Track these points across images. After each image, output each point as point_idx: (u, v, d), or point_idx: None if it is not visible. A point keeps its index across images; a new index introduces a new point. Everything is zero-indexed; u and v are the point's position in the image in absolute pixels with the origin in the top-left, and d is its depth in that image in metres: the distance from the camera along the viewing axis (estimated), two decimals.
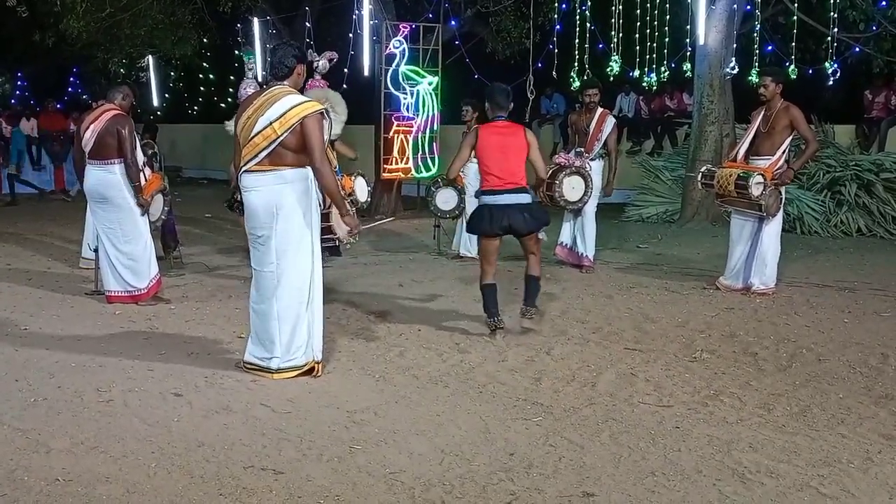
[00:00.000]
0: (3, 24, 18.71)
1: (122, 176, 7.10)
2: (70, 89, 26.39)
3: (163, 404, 4.73)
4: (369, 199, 7.01)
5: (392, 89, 13.45)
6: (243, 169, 5.13)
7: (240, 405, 4.72)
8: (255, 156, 5.07)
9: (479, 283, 6.39)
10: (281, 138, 4.99)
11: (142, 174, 7.24)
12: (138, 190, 7.14)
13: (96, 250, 7.37)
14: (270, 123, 5.00)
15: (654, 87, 13.11)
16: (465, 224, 9.59)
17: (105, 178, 7.12)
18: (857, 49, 12.96)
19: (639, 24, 11.30)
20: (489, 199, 6.28)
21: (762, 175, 7.37)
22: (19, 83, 27.25)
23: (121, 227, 7.16)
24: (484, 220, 6.26)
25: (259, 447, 4.13)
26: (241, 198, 7.68)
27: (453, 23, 14.64)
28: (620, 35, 11.40)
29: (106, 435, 4.25)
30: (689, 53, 11.91)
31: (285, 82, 5.18)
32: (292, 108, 5.01)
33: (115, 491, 3.63)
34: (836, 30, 10.92)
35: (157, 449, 4.09)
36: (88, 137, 7.11)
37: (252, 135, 5.05)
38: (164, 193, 7.77)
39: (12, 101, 25.43)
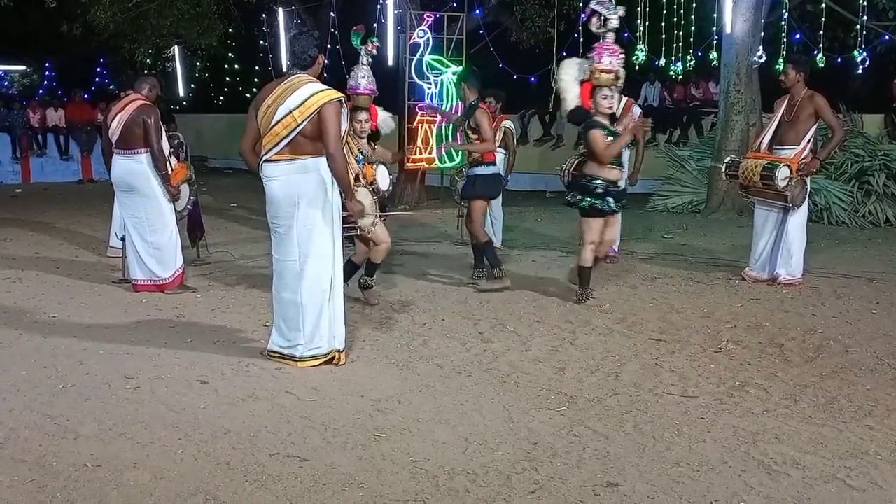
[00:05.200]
0: (30, 15, 18.88)
1: (148, 165, 7.16)
2: (97, 80, 26.58)
3: (189, 391, 4.77)
4: (391, 188, 7.00)
5: (416, 79, 13.44)
6: (263, 158, 5.14)
7: (265, 393, 4.75)
8: (276, 145, 5.07)
9: (480, 243, 7.55)
10: (301, 126, 5.00)
11: (168, 164, 7.30)
12: (166, 179, 7.20)
13: (123, 239, 7.44)
14: (290, 112, 5.00)
15: (680, 76, 13.02)
16: (490, 213, 9.57)
17: (131, 168, 7.18)
18: (887, 37, 12.79)
19: (665, 12, 11.23)
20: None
21: (788, 166, 7.30)
22: (47, 74, 27.49)
23: (146, 217, 7.22)
24: (500, 186, 7.86)
25: (284, 434, 4.16)
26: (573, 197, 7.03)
27: (477, 12, 14.59)
28: (646, 23, 11.33)
29: (133, 421, 4.30)
30: (715, 42, 11.81)
31: (307, 72, 5.19)
32: (312, 95, 5.01)
33: (142, 477, 3.67)
34: (865, 18, 10.79)
35: (183, 436, 4.12)
36: (115, 127, 7.17)
37: (272, 123, 5.06)
38: (190, 183, 7.82)
39: (40, 91, 25.66)
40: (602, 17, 6.75)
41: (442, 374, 5.16)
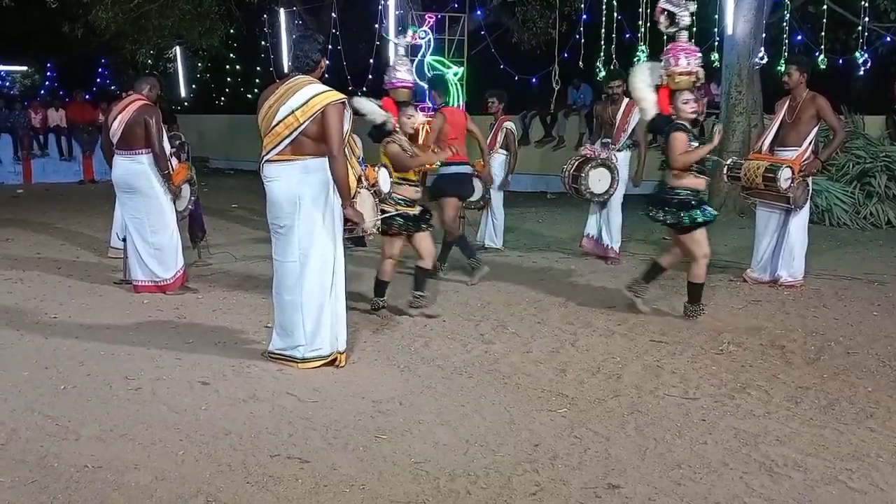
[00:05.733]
0: (32, 15, 18.91)
1: (149, 166, 7.16)
2: (98, 80, 26.62)
3: (190, 392, 4.77)
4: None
5: (417, 80, 13.42)
6: (265, 158, 5.14)
7: (266, 394, 4.75)
8: (277, 145, 5.07)
9: (455, 238, 7.79)
10: (303, 126, 4.99)
11: (169, 164, 7.30)
12: (168, 178, 7.20)
13: (125, 240, 7.45)
14: (293, 111, 5.00)
15: None
16: (491, 214, 9.59)
17: (132, 168, 7.18)
18: (888, 39, 12.80)
19: None
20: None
21: (790, 167, 7.29)
22: (48, 74, 27.53)
23: (147, 218, 7.22)
24: (464, 186, 7.94)
25: (285, 436, 4.16)
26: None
27: (479, 13, 14.62)
28: (648, 24, 11.31)
29: (134, 422, 4.30)
30: (717, 43, 11.81)
31: (309, 75, 5.19)
32: (315, 96, 5.01)
33: (144, 478, 3.67)
34: (866, 19, 10.78)
35: (184, 437, 4.12)
36: (116, 128, 7.17)
37: (274, 124, 5.05)
38: (191, 184, 7.82)
39: (42, 91, 25.69)
40: (672, 15, 6.33)
41: (443, 375, 5.16)
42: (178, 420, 4.35)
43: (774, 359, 5.55)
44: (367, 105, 6.37)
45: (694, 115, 6.28)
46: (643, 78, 6.37)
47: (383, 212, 6.17)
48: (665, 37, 11.31)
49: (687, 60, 6.23)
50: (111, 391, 4.77)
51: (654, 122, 6.42)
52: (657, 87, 6.31)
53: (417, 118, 6.73)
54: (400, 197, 6.39)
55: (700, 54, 6.37)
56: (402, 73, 6.73)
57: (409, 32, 6.65)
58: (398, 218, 6.36)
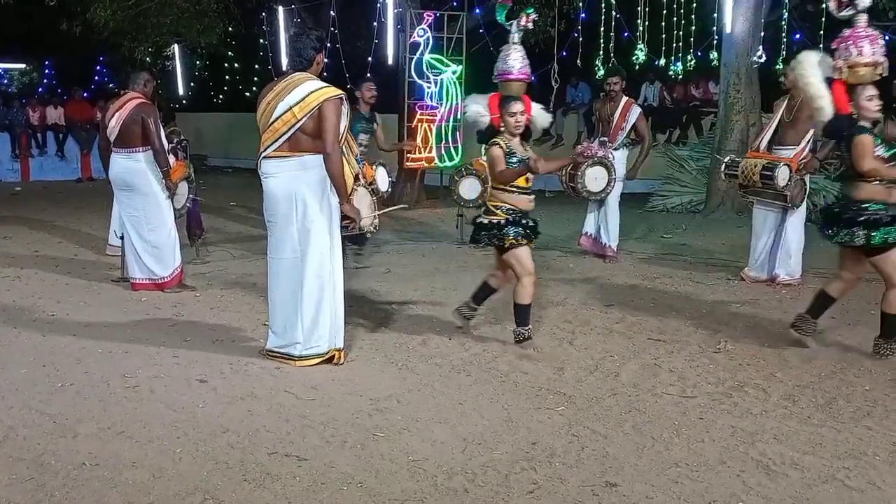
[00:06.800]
0: (31, 13, 18.87)
1: (146, 164, 7.15)
2: (97, 78, 26.57)
3: (188, 390, 4.77)
4: (390, 189, 6.96)
5: (416, 78, 13.42)
6: (263, 155, 5.14)
7: (264, 392, 4.75)
8: (275, 141, 5.08)
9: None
10: (300, 123, 5.00)
11: (168, 161, 7.29)
12: (167, 175, 7.19)
13: (122, 237, 7.44)
14: (290, 108, 5.00)
15: (680, 76, 13.01)
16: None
17: (130, 166, 7.17)
18: (888, 38, 12.78)
19: (665, 11, 11.21)
20: None
21: (788, 165, 7.30)
22: (46, 72, 27.47)
23: (145, 216, 7.22)
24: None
25: (283, 433, 4.16)
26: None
27: (478, 11, 14.58)
28: (646, 23, 11.32)
29: (132, 420, 4.30)
30: (715, 42, 11.80)
31: (306, 72, 5.19)
32: (312, 92, 5.02)
33: (141, 476, 3.67)
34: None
35: (182, 434, 4.12)
36: (113, 125, 7.17)
37: (272, 120, 5.06)
38: (189, 181, 7.82)
39: (40, 89, 25.64)
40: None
41: (441, 373, 5.16)
42: (176, 418, 4.35)
43: (771, 357, 5.56)
44: (471, 106, 5.72)
45: (878, 114, 5.29)
46: (817, 70, 5.37)
47: (485, 224, 5.58)
48: (663, 35, 11.35)
49: (872, 49, 5.25)
50: (109, 389, 4.77)
51: (833, 125, 5.36)
52: (830, 81, 5.38)
53: (539, 117, 5.75)
54: (508, 206, 5.54)
55: (883, 42, 5.36)
56: (510, 63, 5.97)
57: (524, 15, 5.70)
58: (511, 228, 5.48)
